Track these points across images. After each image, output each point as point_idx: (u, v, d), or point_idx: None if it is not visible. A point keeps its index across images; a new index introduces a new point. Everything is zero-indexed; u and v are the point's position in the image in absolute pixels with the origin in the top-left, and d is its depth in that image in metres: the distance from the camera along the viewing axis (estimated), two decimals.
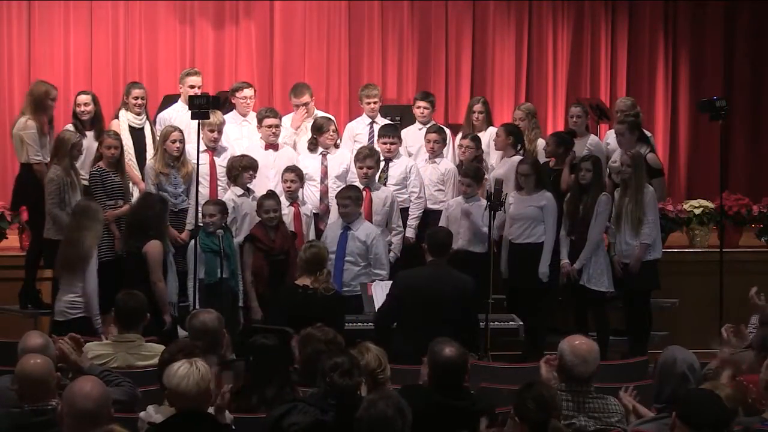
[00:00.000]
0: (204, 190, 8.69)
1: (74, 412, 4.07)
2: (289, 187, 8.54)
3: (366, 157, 8.60)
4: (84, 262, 7.49)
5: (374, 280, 8.03)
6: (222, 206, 8.19)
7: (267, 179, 8.81)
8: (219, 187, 8.80)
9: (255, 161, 8.57)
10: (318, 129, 9.04)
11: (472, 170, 8.66)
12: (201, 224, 8.21)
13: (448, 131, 9.44)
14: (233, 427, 4.76)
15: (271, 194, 8.31)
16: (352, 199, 8.22)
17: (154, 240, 7.64)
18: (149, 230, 7.67)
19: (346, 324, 7.44)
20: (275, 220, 8.14)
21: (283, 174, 8.60)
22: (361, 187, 8.59)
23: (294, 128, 9.37)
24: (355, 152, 8.83)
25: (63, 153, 8.19)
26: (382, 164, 8.99)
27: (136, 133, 9.01)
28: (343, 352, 5.07)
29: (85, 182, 8.47)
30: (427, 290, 6.90)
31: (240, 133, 9.37)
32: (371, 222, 8.49)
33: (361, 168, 8.62)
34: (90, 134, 8.75)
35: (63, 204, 8.12)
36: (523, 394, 4.47)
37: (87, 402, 4.07)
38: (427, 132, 9.13)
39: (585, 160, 8.58)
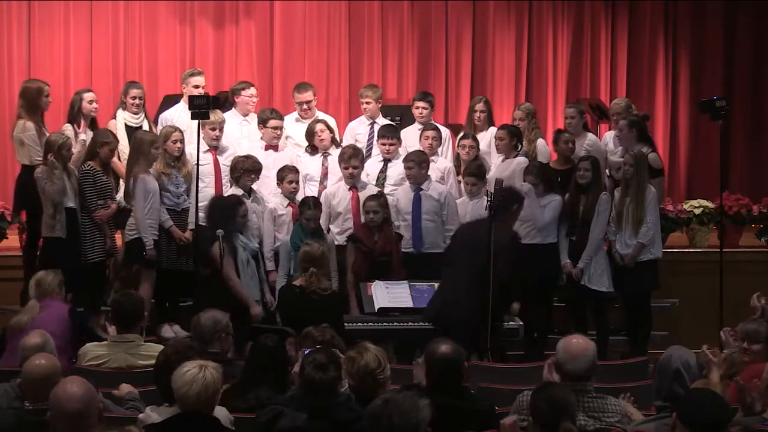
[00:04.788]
0: (209, 190, 8.70)
1: (62, 415, 4.04)
2: (294, 188, 8.55)
3: (351, 157, 8.62)
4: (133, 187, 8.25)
5: (447, 237, 8.45)
6: (320, 205, 8.32)
7: (268, 179, 8.80)
8: (224, 187, 8.80)
9: (259, 164, 8.55)
10: (309, 133, 9.08)
11: (475, 170, 8.68)
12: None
13: (446, 130, 9.45)
14: (232, 427, 4.77)
15: (375, 195, 8.39)
16: (415, 162, 8.52)
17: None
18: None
19: (347, 324, 7.46)
20: (376, 221, 8.19)
21: (285, 174, 8.57)
22: (347, 187, 8.62)
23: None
24: (338, 153, 8.83)
25: (50, 154, 8.20)
26: (381, 164, 9.03)
27: (133, 132, 9.00)
28: (325, 349, 5.06)
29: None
30: (469, 237, 7.63)
31: (240, 133, 9.37)
32: (359, 221, 8.52)
33: (346, 168, 8.62)
34: (88, 134, 8.74)
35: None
36: (536, 394, 4.46)
37: (73, 403, 4.04)
38: (425, 129, 9.14)
39: (584, 160, 8.58)
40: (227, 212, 7.93)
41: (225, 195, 8.42)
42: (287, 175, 8.55)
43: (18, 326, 6.65)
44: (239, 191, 8.47)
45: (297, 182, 8.60)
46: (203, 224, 8.40)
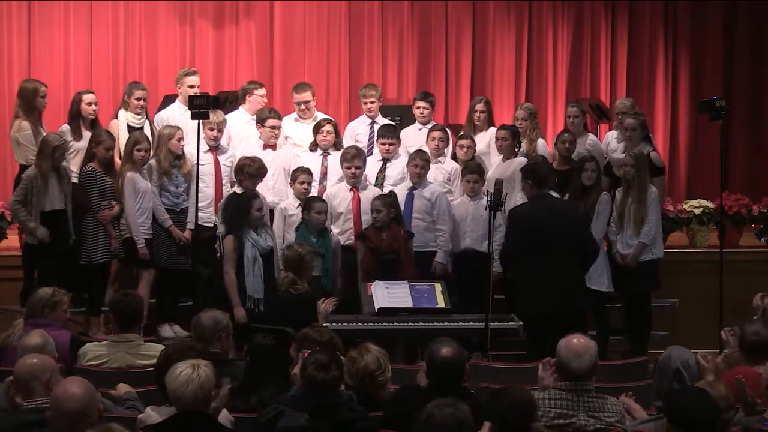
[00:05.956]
0: (209, 190, 8.71)
1: (62, 415, 4.03)
2: (306, 189, 8.55)
3: (354, 156, 8.62)
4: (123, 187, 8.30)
5: (437, 236, 8.53)
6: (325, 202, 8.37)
7: (265, 178, 8.79)
8: (224, 187, 8.80)
9: (264, 168, 8.50)
10: (315, 129, 9.07)
11: (476, 168, 8.71)
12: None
13: (448, 131, 9.46)
14: (232, 427, 4.76)
15: (382, 195, 8.46)
16: (427, 162, 8.68)
17: (229, 235, 7.93)
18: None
19: (347, 324, 7.50)
20: (380, 220, 8.26)
21: (298, 175, 8.57)
22: (349, 187, 8.64)
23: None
24: (341, 153, 8.83)
25: (44, 155, 8.19)
26: (380, 164, 9.03)
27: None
28: (326, 349, 5.07)
29: (75, 181, 8.47)
30: (534, 222, 7.50)
31: (249, 131, 9.34)
32: (360, 221, 8.55)
33: (348, 168, 8.63)
34: (88, 135, 8.72)
35: (26, 202, 8.18)
36: (496, 400, 4.41)
37: (73, 403, 4.03)
38: (431, 130, 9.14)
39: (589, 160, 8.58)
40: (243, 206, 7.96)
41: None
42: (300, 175, 8.54)
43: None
44: (240, 191, 8.47)
45: (309, 183, 8.59)
46: (202, 224, 8.41)
